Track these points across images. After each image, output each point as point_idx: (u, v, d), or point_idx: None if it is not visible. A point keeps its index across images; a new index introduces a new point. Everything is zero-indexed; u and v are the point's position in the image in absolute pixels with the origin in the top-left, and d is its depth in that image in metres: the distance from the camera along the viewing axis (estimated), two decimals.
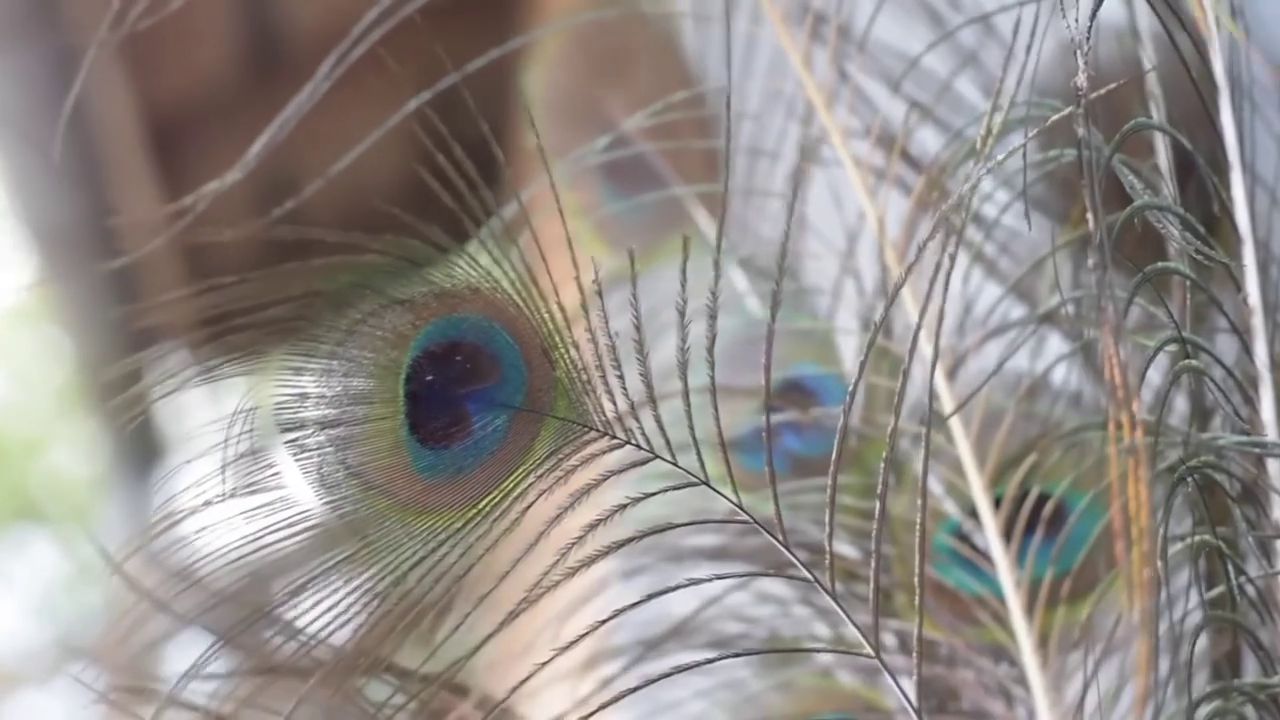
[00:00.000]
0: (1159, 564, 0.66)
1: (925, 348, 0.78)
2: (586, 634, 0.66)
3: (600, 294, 0.62)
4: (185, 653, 0.69)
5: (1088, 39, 0.59)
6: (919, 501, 0.66)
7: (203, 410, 0.69)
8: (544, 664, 0.65)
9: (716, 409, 0.64)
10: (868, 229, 0.86)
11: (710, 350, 0.64)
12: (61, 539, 4.38)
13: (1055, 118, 0.63)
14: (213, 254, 2.64)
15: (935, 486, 0.88)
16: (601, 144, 0.94)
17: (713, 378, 0.64)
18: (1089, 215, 0.57)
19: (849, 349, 0.94)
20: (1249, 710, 0.72)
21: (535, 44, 1.02)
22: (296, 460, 0.64)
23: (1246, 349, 0.72)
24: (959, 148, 0.83)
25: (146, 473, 3.01)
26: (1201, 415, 0.77)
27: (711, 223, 0.97)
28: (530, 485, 0.64)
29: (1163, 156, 0.78)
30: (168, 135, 2.71)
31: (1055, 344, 0.86)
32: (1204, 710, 0.71)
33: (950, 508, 0.87)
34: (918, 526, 0.64)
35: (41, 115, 2.43)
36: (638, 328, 0.63)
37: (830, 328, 0.94)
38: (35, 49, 2.38)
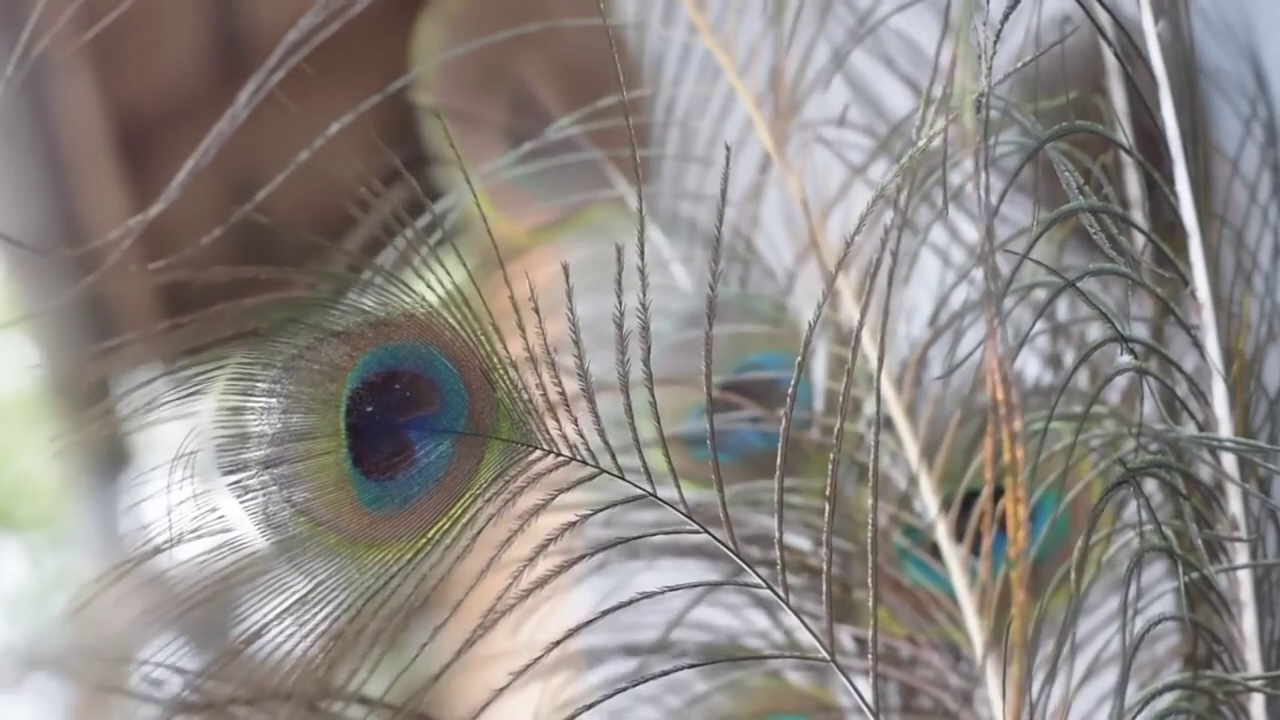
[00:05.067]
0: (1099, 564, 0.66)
1: (876, 344, 0.77)
2: (548, 650, 0.66)
3: (538, 311, 0.62)
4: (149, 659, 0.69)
5: (996, 40, 0.59)
6: (872, 502, 0.65)
7: (170, 418, 0.68)
8: (509, 683, 0.65)
9: (659, 419, 0.64)
10: (833, 222, 0.85)
11: (646, 361, 0.63)
12: (29, 546, 4.35)
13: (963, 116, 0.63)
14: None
15: (902, 485, 0.87)
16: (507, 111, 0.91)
17: (651, 389, 0.63)
18: (983, 230, 0.56)
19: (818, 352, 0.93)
20: (1202, 706, 0.72)
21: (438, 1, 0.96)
22: (241, 502, 0.63)
23: (1197, 344, 0.71)
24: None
25: (114, 479, 3.00)
26: (1163, 416, 0.77)
27: (631, 189, 0.93)
28: (479, 510, 0.63)
29: (1123, 153, 0.78)
30: (134, 139, 2.69)
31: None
32: (1163, 704, 0.71)
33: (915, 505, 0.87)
34: (870, 527, 0.64)
35: (5, 118, 2.41)
36: (576, 343, 0.62)
37: (783, 308, 0.92)
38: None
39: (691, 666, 0.65)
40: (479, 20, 0.94)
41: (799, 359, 0.64)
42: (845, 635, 0.86)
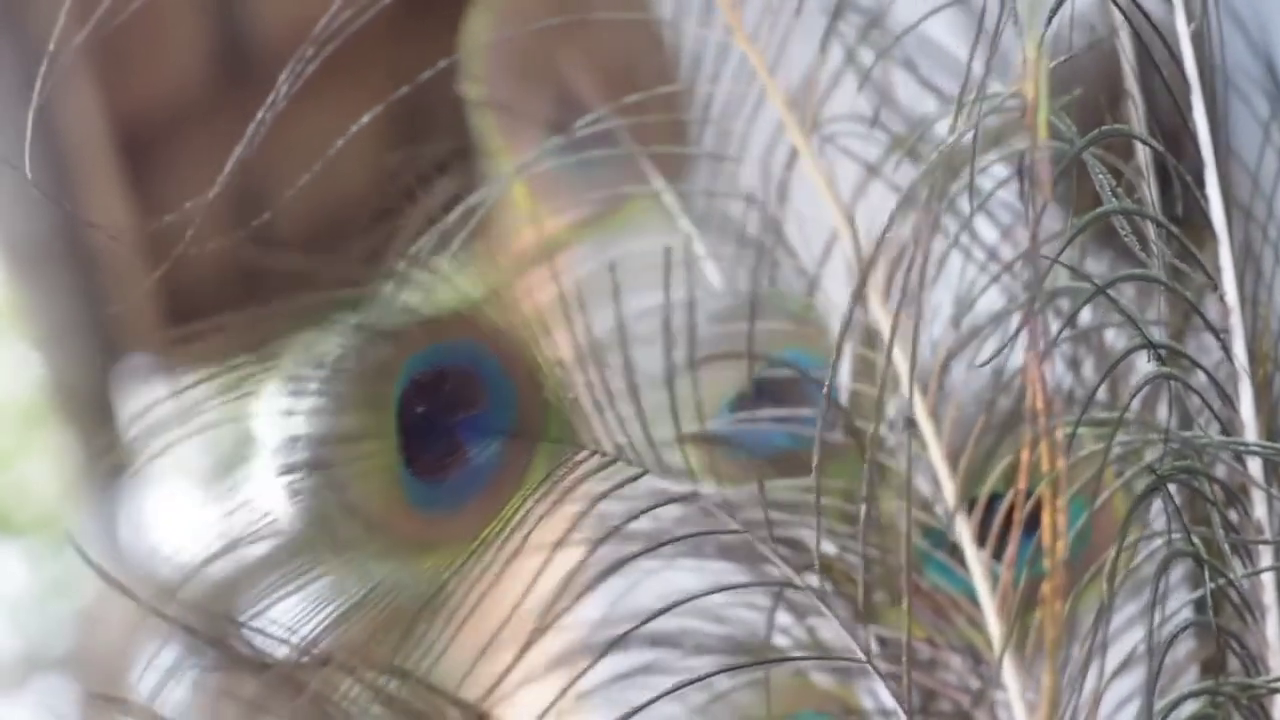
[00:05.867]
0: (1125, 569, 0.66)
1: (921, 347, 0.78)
2: (584, 672, 0.65)
3: (583, 308, 0.61)
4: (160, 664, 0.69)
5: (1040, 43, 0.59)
6: (903, 505, 0.65)
7: (171, 422, 0.68)
8: (560, 696, 0.65)
9: (678, 422, 0.63)
10: (859, 223, 0.85)
11: (668, 367, 0.63)
12: (29, 551, 4.35)
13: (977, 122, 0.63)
14: (184, 267, 2.62)
15: (925, 488, 0.87)
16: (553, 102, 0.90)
17: (671, 392, 0.63)
18: (1030, 234, 0.56)
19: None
20: (1226, 711, 0.72)
21: None
22: (294, 504, 0.63)
23: (1225, 348, 0.71)
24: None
25: (115, 485, 2.99)
26: (1185, 420, 0.77)
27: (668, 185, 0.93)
28: (529, 511, 0.63)
29: (1142, 153, 0.78)
30: (138, 143, 2.69)
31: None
32: (1187, 711, 0.71)
33: (939, 509, 0.86)
34: (904, 534, 0.64)
35: (8, 124, 2.41)
36: (623, 343, 0.62)
37: (810, 305, 0.92)
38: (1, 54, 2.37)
39: (721, 672, 0.65)
40: (526, 13, 0.93)
41: (830, 362, 0.64)
42: (871, 640, 0.85)
